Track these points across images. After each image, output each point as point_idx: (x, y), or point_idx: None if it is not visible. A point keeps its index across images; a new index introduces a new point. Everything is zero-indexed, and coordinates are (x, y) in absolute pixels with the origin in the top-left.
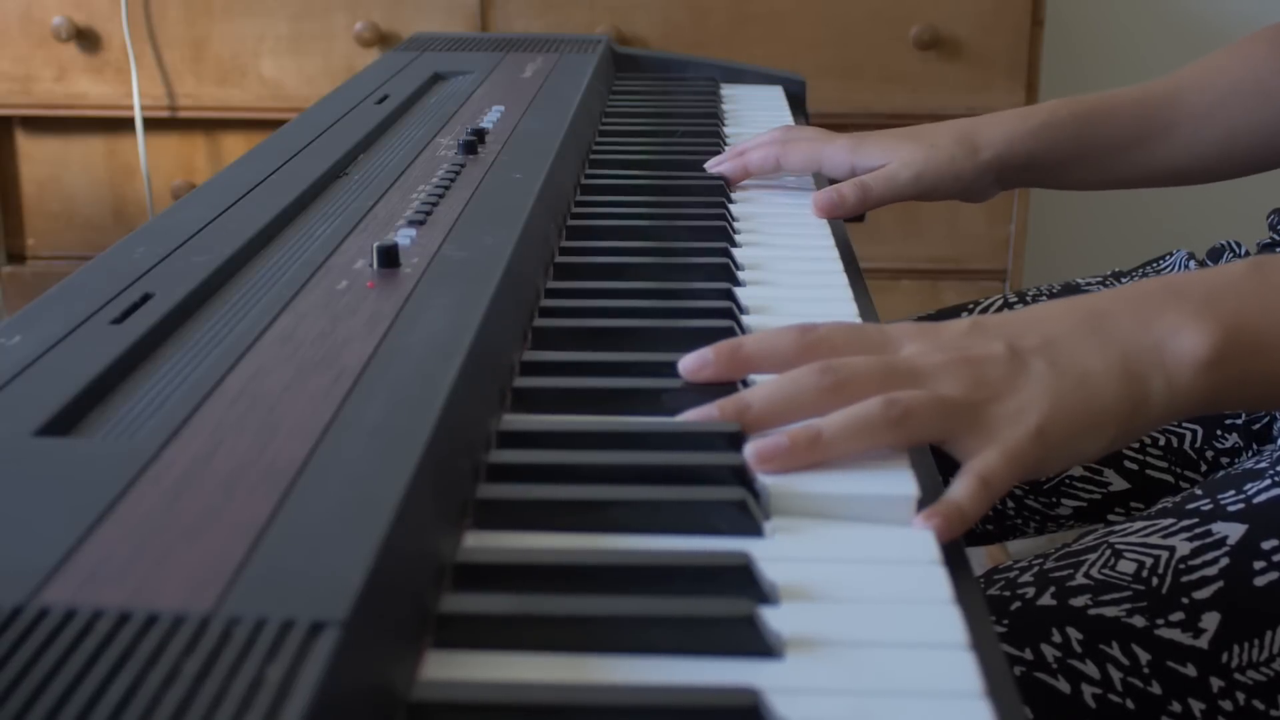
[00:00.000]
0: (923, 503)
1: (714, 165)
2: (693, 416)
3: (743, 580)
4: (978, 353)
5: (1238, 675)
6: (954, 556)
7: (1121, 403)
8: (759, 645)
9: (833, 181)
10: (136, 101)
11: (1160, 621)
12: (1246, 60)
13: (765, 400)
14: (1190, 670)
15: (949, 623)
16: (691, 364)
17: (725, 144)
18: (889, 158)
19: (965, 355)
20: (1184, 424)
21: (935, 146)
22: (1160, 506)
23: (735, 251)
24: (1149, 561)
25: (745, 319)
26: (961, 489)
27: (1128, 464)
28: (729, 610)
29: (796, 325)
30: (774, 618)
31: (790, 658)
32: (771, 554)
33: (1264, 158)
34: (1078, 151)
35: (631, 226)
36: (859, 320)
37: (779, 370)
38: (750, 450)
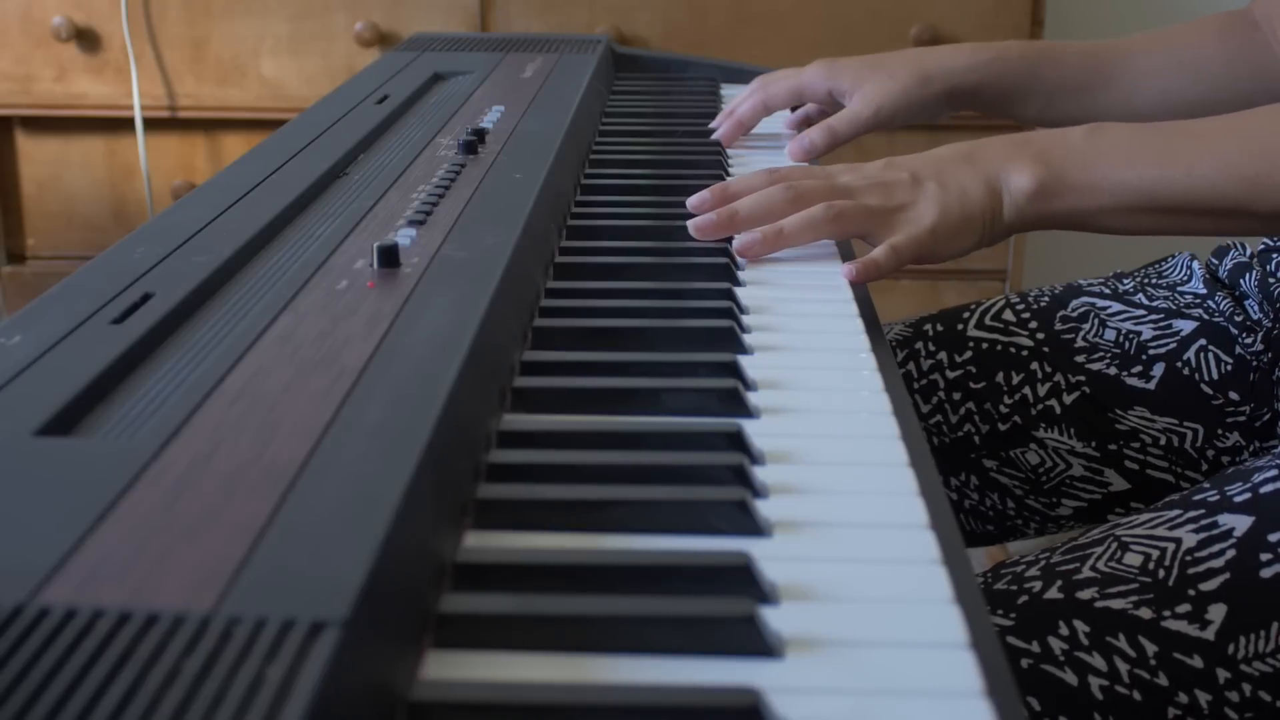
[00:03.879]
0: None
1: (718, 131)
2: (696, 223)
3: (743, 580)
4: (890, 178)
5: (1244, 667)
6: (954, 556)
7: (985, 211)
8: (759, 645)
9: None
10: (136, 101)
11: (1167, 614)
12: (1195, 38)
13: (748, 209)
14: (1197, 662)
15: (949, 622)
16: (695, 200)
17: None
18: (857, 84)
19: (882, 180)
20: (1185, 423)
21: (894, 78)
22: (1167, 499)
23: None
24: (1155, 554)
25: (745, 319)
26: (878, 252)
27: (1128, 464)
28: (729, 610)
29: (766, 168)
30: (774, 618)
31: (790, 658)
32: (772, 554)
33: None
34: (1021, 87)
35: (631, 226)
36: (859, 320)
37: None
38: (735, 244)
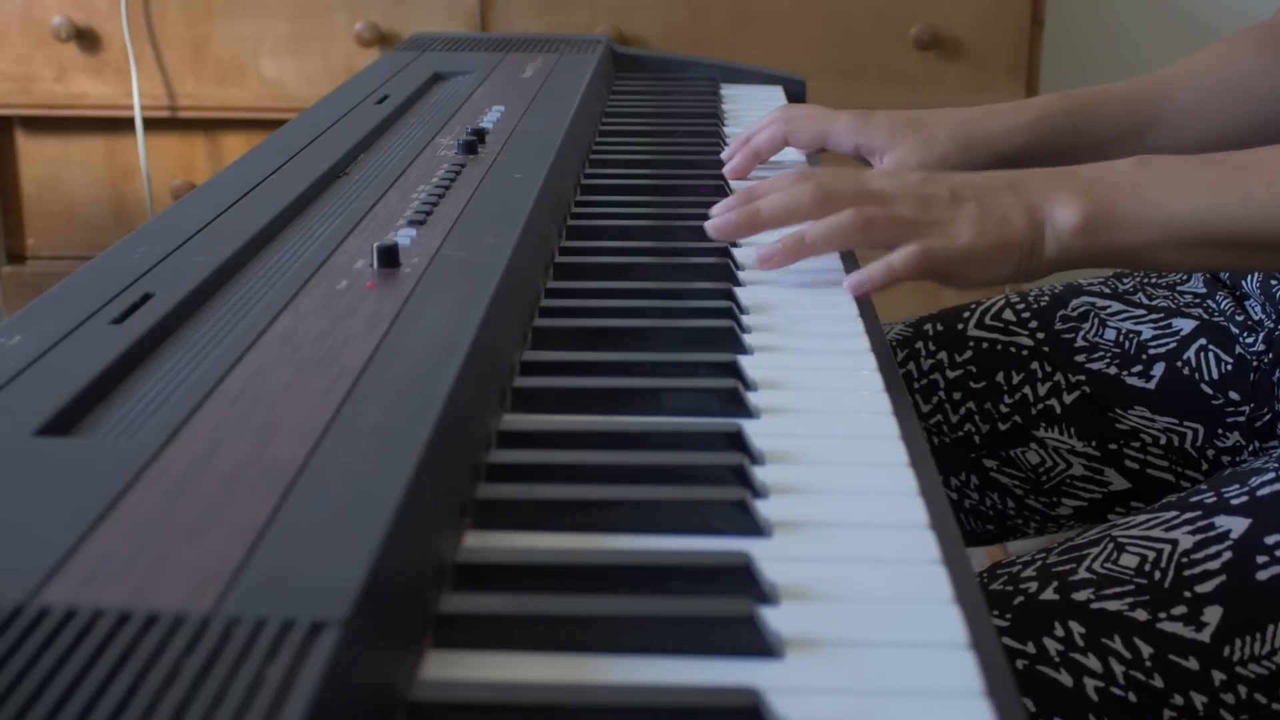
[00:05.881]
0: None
1: (728, 162)
2: (713, 223)
3: (743, 580)
4: (928, 191)
5: (1239, 669)
6: (954, 556)
7: (1025, 240)
8: (759, 645)
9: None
10: (136, 101)
11: (1162, 615)
12: (1231, 59)
13: (771, 207)
14: (1192, 664)
15: (949, 622)
16: (718, 206)
17: (725, 144)
18: (891, 144)
19: (919, 192)
20: (1185, 423)
21: (932, 142)
22: (1164, 501)
23: (735, 251)
24: (1151, 555)
25: (745, 319)
26: (905, 253)
27: (1128, 463)
28: (729, 610)
29: (794, 170)
30: (774, 618)
31: (790, 658)
32: (772, 554)
33: None
34: (1069, 145)
35: (631, 226)
36: (859, 320)
37: None
38: (755, 256)
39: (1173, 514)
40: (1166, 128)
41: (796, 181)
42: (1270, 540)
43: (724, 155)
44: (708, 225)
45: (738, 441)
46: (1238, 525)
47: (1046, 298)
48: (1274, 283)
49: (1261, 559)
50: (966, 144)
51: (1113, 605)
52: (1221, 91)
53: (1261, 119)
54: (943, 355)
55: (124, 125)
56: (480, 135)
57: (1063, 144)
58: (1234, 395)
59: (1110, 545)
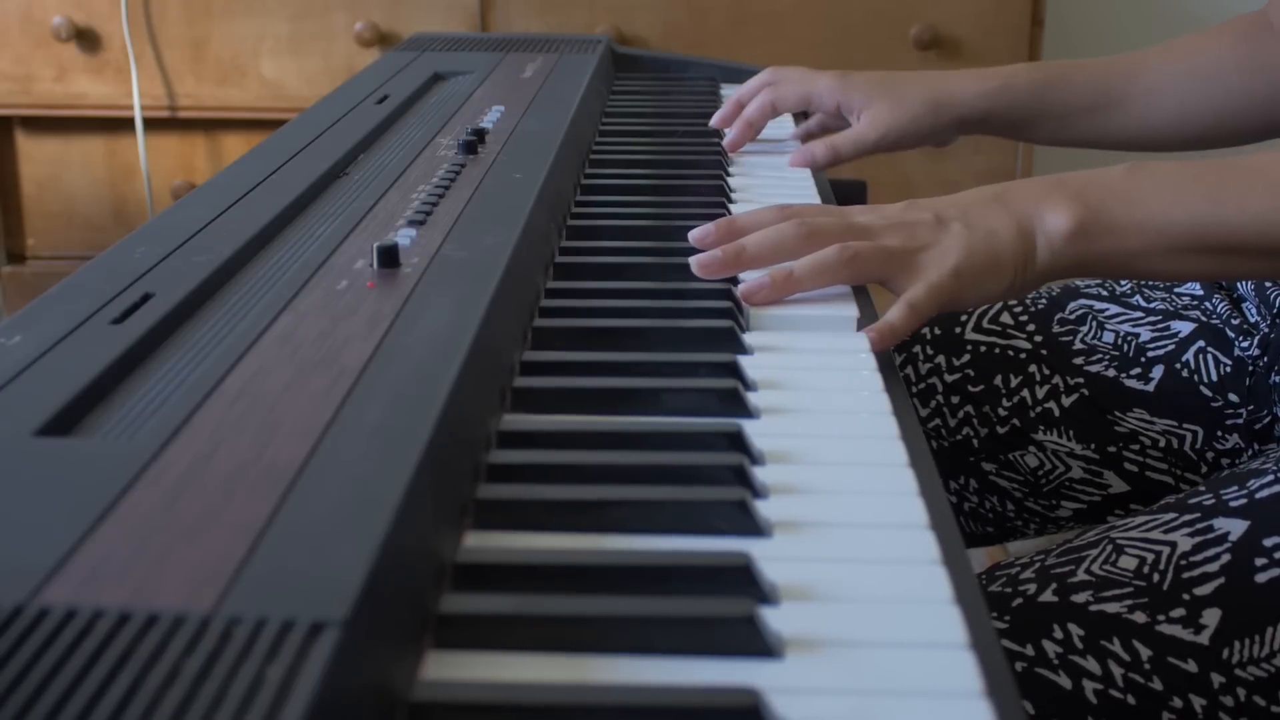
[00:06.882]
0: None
1: (721, 129)
2: (699, 260)
3: (743, 580)
4: (911, 219)
5: (1238, 671)
6: (954, 556)
7: (1016, 254)
8: (759, 645)
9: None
10: (136, 101)
11: (1161, 617)
12: (1211, 46)
13: (756, 244)
14: (1191, 666)
15: (949, 623)
16: (698, 234)
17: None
18: (867, 103)
19: (902, 220)
20: (1184, 425)
21: (904, 101)
22: (1163, 502)
23: None
24: (1150, 557)
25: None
26: (894, 313)
27: (1128, 465)
28: (729, 610)
29: (776, 204)
30: (774, 618)
31: (790, 658)
32: (772, 554)
33: (1214, 139)
34: (1033, 113)
35: (631, 226)
36: (858, 319)
37: None
38: (741, 289)
39: (1171, 516)
40: (1133, 106)
41: (780, 218)
42: (1269, 543)
43: (715, 120)
44: (693, 262)
45: (738, 441)
46: (1236, 527)
47: (1044, 300)
48: (1269, 286)
49: (1260, 561)
50: (935, 105)
51: (1111, 607)
52: (1191, 77)
53: (1229, 108)
54: (940, 359)
55: (124, 125)
56: (480, 135)
57: (1026, 111)
58: (1233, 397)
59: (1109, 547)
